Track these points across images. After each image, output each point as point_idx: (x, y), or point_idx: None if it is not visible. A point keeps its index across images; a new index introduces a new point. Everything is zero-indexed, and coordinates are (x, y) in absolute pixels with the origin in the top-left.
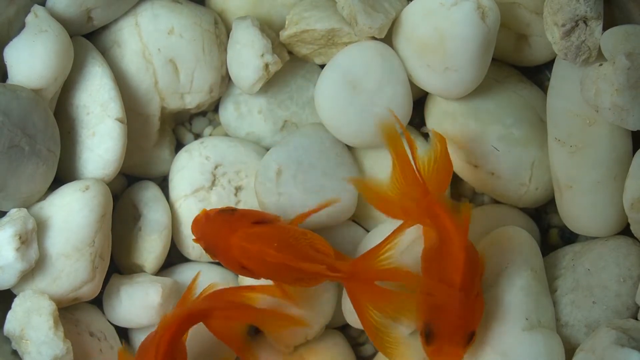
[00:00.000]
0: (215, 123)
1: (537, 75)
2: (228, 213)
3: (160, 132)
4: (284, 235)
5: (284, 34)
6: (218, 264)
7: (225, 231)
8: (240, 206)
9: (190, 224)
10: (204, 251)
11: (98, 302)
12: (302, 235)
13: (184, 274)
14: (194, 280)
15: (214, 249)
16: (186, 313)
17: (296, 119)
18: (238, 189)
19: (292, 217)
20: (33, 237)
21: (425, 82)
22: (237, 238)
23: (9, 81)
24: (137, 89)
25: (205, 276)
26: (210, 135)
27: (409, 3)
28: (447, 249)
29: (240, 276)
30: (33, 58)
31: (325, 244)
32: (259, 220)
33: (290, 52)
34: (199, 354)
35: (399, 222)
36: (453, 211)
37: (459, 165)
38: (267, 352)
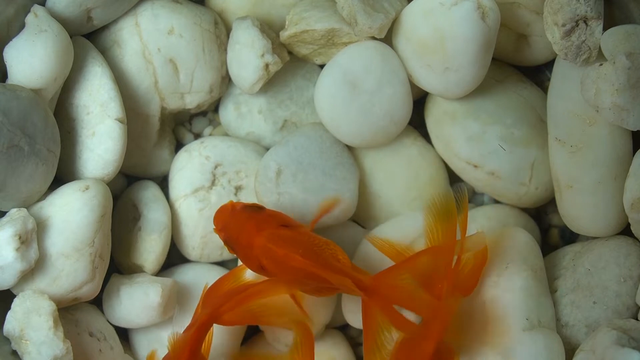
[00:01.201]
0: (215, 123)
1: (537, 75)
2: (255, 210)
3: (160, 132)
4: (309, 243)
5: (284, 34)
6: (218, 264)
7: (251, 228)
8: None
9: (214, 214)
10: (202, 251)
11: (98, 302)
12: (325, 245)
13: (184, 274)
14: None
15: (235, 244)
16: (194, 331)
17: (296, 118)
18: (238, 189)
19: (308, 224)
20: (33, 237)
21: (425, 82)
22: (264, 238)
23: (9, 81)
24: (137, 89)
25: (205, 277)
26: (210, 135)
27: (409, 3)
28: (419, 346)
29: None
30: (33, 58)
31: (345, 257)
32: (285, 224)
33: (290, 52)
34: None
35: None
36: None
37: (459, 165)
38: (267, 352)
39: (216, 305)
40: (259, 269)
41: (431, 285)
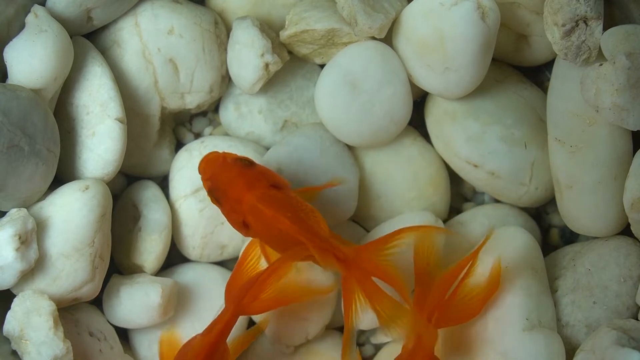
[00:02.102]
0: (215, 123)
1: (537, 75)
2: (247, 166)
3: (160, 131)
4: (298, 207)
5: (284, 34)
6: (218, 264)
7: (242, 185)
8: None
9: (201, 161)
10: (203, 251)
11: (98, 303)
12: (311, 212)
13: (184, 274)
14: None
15: (222, 196)
16: (219, 324)
17: (296, 118)
18: None
19: (299, 188)
20: (33, 237)
21: (425, 82)
22: (253, 196)
23: (9, 81)
24: (137, 89)
25: (205, 276)
26: (210, 134)
27: (409, 3)
28: None
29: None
30: (33, 58)
31: (326, 226)
32: (274, 183)
33: (290, 52)
34: None
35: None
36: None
37: (459, 165)
38: (267, 352)
39: (237, 299)
40: (241, 225)
41: (422, 308)
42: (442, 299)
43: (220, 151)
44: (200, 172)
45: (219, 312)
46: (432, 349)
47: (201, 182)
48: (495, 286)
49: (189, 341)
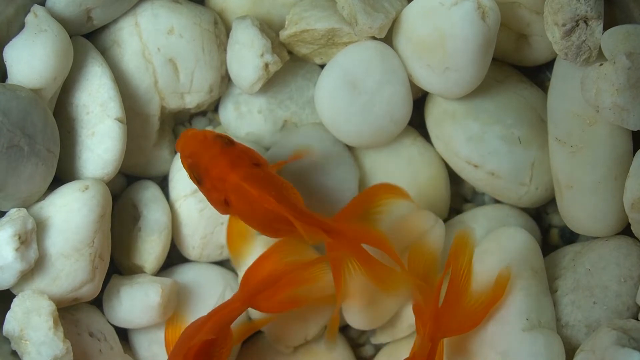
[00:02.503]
0: (215, 123)
1: (538, 75)
2: (227, 144)
3: (160, 131)
4: (279, 185)
5: (284, 34)
6: (218, 264)
7: (225, 163)
8: None
9: (179, 138)
10: (202, 251)
11: (98, 303)
12: (291, 189)
13: (184, 274)
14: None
15: (202, 174)
16: (225, 309)
17: (296, 118)
18: None
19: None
20: (32, 237)
21: (425, 82)
22: (237, 175)
23: (9, 81)
24: (137, 89)
25: (205, 276)
26: None
27: (409, 3)
28: None
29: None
30: (32, 58)
31: (301, 201)
32: (255, 161)
33: (290, 52)
34: None
35: None
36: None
37: (459, 165)
38: (267, 352)
39: (252, 292)
40: (221, 204)
41: (418, 318)
42: (437, 307)
43: (197, 129)
44: (178, 150)
45: (230, 297)
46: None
47: None
48: (500, 294)
49: (195, 321)
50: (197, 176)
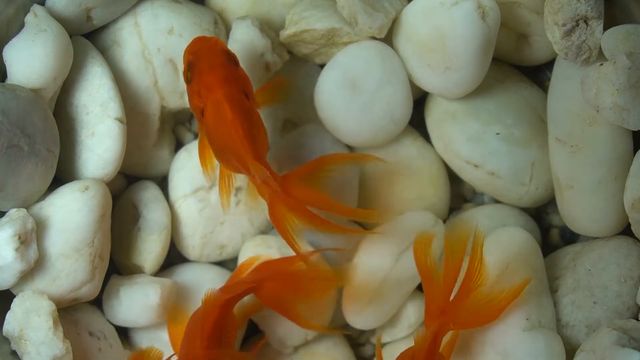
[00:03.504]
0: None
1: (538, 75)
2: (232, 62)
3: (160, 131)
4: (255, 124)
5: (284, 34)
6: (218, 264)
7: (220, 74)
8: (240, 208)
9: (192, 41)
10: (202, 251)
11: (98, 303)
12: (264, 135)
13: (184, 274)
14: (247, 262)
15: (196, 73)
16: (236, 287)
17: (296, 119)
18: (238, 189)
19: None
20: (32, 237)
21: (426, 81)
22: (223, 93)
23: (9, 81)
24: (137, 89)
25: (204, 276)
26: None
27: (409, 3)
28: None
29: None
30: (32, 58)
31: (266, 154)
32: (246, 92)
33: (290, 52)
34: None
35: None
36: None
37: (459, 165)
38: (267, 352)
39: (263, 278)
40: (198, 112)
41: (434, 309)
42: (449, 298)
43: (214, 38)
44: (186, 47)
45: (236, 280)
46: (437, 347)
47: (201, 182)
48: (517, 293)
49: (205, 299)
50: (190, 75)
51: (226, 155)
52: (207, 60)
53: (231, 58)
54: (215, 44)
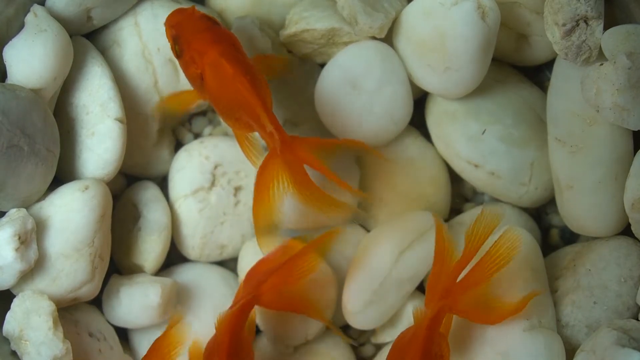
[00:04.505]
0: (215, 122)
1: (538, 75)
2: (214, 23)
3: (159, 131)
4: (255, 74)
5: (284, 34)
6: (218, 264)
7: (208, 37)
8: (240, 208)
9: (168, 16)
10: (202, 251)
11: (98, 303)
12: (265, 84)
13: (184, 274)
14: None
15: (184, 46)
16: (237, 310)
17: (296, 118)
18: (237, 189)
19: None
20: (32, 237)
21: (426, 81)
22: (217, 51)
23: (9, 81)
24: (137, 89)
25: (204, 276)
26: (210, 135)
27: (409, 3)
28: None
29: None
30: (32, 58)
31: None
32: (236, 46)
33: (290, 52)
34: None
35: None
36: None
37: (459, 165)
38: (266, 352)
39: (256, 286)
40: (197, 79)
41: (435, 287)
42: (455, 281)
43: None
44: (165, 22)
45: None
46: (439, 324)
47: (201, 182)
48: (519, 310)
49: (214, 336)
50: (179, 48)
51: (235, 112)
52: (191, 28)
53: (213, 21)
54: (193, 12)
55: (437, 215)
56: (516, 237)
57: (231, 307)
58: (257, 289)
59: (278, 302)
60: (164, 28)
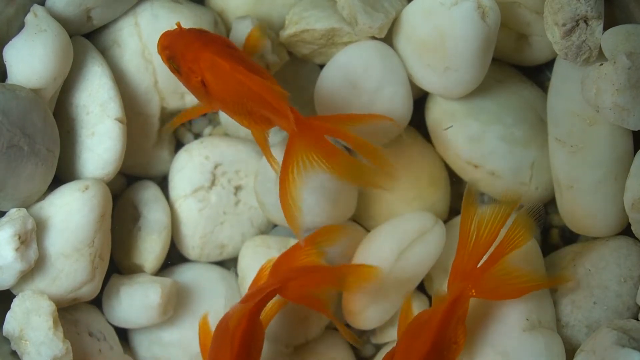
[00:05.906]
0: (215, 122)
1: (538, 75)
2: (202, 32)
3: (160, 132)
4: (253, 65)
5: (284, 34)
6: (218, 264)
7: (199, 45)
8: (241, 207)
9: (159, 39)
10: (202, 251)
11: (98, 303)
12: (265, 71)
13: (184, 274)
14: (265, 266)
15: (179, 60)
16: (259, 293)
17: None
18: (238, 189)
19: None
20: (32, 237)
21: (426, 81)
22: (209, 52)
23: (8, 81)
24: (137, 89)
25: (204, 276)
26: (210, 134)
27: (409, 3)
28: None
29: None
30: (32, 58)
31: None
32: (230, 46)
33: (290, 52)
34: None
35: None
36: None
37: (459, 165)
38: (266, 352)
39: (286, 279)
40: (200, 87)
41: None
42: (477, 264)
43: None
44: (157, 46)
45: (258, 285)
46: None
47: (201, 182)
48: (544, 286)
49: (228, 312)
50: (176, 65)
51: (245, 106)
52: (181, 43)
53: (200, 30)
54: (180, 29)
55: (473, 188)
56: (530, 220)
57: (251, 296)
58: (284, 283)
59: (300, 298)
60: (164, 28)
